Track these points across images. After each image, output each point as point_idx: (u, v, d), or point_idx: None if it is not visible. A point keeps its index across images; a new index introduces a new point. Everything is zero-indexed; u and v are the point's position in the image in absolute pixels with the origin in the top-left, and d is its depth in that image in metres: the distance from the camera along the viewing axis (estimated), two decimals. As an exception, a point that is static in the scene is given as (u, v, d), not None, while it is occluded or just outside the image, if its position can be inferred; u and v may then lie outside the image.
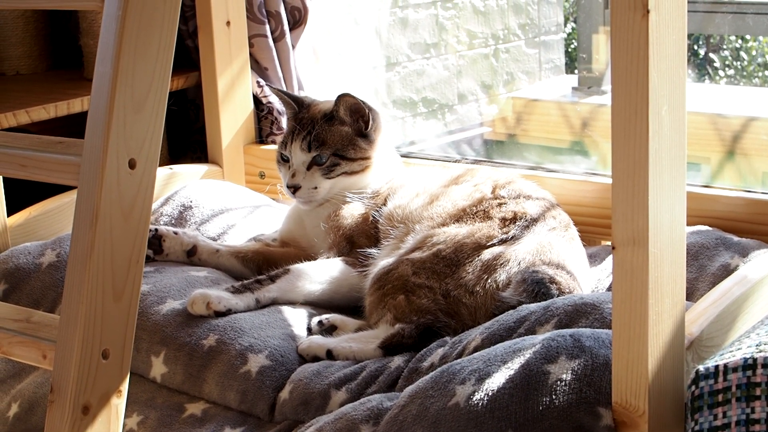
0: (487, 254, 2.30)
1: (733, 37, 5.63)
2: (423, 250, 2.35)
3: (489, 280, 2.26)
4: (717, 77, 5.66)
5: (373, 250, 2.52)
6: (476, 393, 1.81)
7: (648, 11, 1.57)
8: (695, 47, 5.60)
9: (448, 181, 2.61)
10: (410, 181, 2.67)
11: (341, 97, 2.62)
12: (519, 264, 2.28)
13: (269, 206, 3.03)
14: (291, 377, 2.20)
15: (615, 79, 1.62)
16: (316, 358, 2.25)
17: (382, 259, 2.44)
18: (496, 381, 1.81)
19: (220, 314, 2.34)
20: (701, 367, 1.72)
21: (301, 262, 2.51)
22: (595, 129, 5.19)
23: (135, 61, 1.82)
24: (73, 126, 3.03)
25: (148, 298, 2.41)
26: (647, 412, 1.68)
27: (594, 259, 2.57)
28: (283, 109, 3.21)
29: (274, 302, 2.43)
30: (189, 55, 3.31)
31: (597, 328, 1.96)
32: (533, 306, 2.12)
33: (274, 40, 3.22)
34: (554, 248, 2.33)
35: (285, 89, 2.85)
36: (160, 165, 1.95)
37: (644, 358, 1.67)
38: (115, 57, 1.81)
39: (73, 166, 1.87)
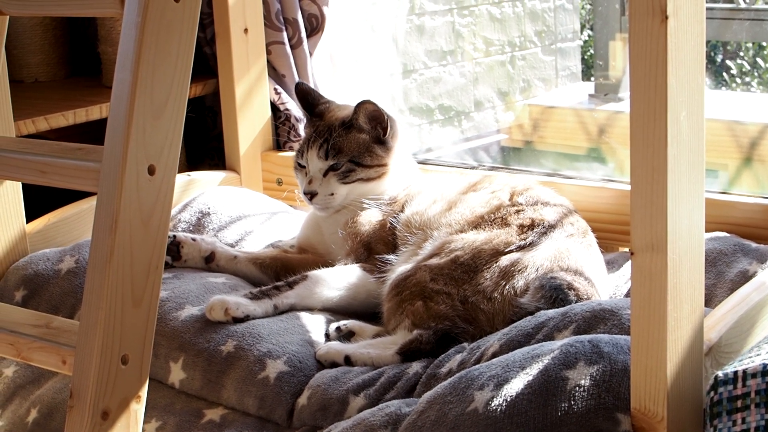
0: (505, 260, 2.30)
1: (749, 44, 5.62)
2: (441, 256, 2.35)
3: (507, 287, 2.26)
4: (733, 84, 5.65)
5: (390, 257, 2.53)
6: (495, 399, 1.81)
7: (667, 17, 1.57)
8: (712, 54, 5.60)
9: (466, 188, 2.61)
10: (427, 187, 2.67)
11: (361, 104, 2.63)
12: (537, 270, 2.28)
13: (287, 213, 3.03)
14: (309, 383, 2.20)
15: (634, 85, 1.62)
16: (334, 364, 2.26)
17: (400, 266, 2.44)
18: (515, 387, 1.81)
19: (238, 320, 2.35)
20: (720, 373, 1.72)
21: (319, 268, 2.51)
22: (611, 136, 5.18)
23: (154, 68, 1.83)
24: (91, 133, 3.04)
25: (167, 304, 2.42)
26: (666, 418, 1.68)
27: (611, 265, 2.57)
28: (301, 115, 3.22)
29: (292, 308, 2.44)
30: (207, 63, 3.32)
31: (615, 334, 1.96)
32: (551, 312, 2.12)
33: (292, 48, 3.23)
34: (572, 254, 2.33)
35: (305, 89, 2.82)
36: (178, 172, 1.96)
37: (663, 363, 1.67)
38: (135, 64, 1.82)
39: (93, 173, 1.87)
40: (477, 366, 1.96)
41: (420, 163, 2.99)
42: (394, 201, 2.66)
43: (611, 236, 2.69)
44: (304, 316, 2.41)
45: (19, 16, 3.28)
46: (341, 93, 3.28)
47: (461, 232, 2.43)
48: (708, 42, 5.31)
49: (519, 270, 2.28)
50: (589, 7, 6.18)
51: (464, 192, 2.59)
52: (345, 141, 2.64)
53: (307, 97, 2.77)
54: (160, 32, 1.84)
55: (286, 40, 3.21)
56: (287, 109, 3.25)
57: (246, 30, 3.14)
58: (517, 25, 5.37)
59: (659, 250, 1.64)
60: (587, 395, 1.76)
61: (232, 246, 2.79)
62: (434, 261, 2.35)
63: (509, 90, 5.40)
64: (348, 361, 2.25)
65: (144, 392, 1.87)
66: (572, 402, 1.76)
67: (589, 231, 2.48)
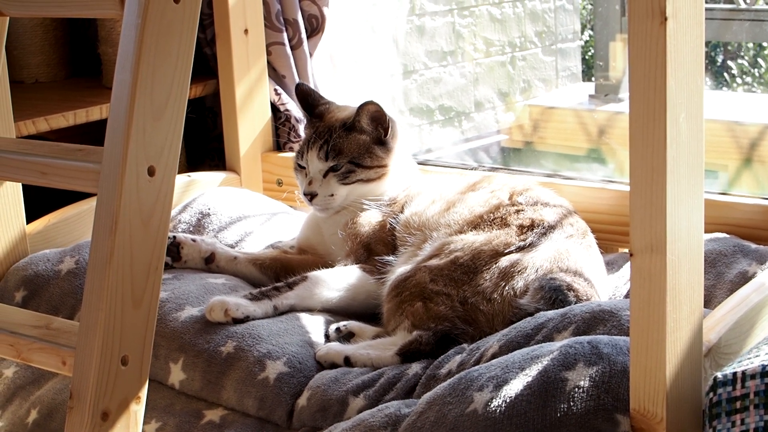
0: (504, 261, 2.30)
1: (750, 45, 5.62)
2: (440, 257, 2.35)
3: (506, 288, 2.26)
4: (734, 85, 5.65)
5: (390, 258, 2.53)
6: (494, 400, 1.81)
7: (666, 18, 1.57)
8: (712, 55, 5.60)
9: (465, 188, 2.61)
10: (427, 188, 2.67)
11: (364, 105, 2.63)
12: (536, 271, 2.28)
13: (287, 213, 3.03)
14: (309, 384, 2.20)
15: (633, 87, 1.62)
16: (333, 365, 2.26)
17: (400, 267, 2.44)
18: (514, 388, 1.81)
19: (238, 321, 2.35)
20: (719, 374, 1.72)
21: (319, 269, 2.51)
22: (611, 136, 5.19)
23: (154, 68, 1.83)
24: (92, 134, 3.05)
25: (167, 305, 2.42)
26: (665, 419, 1.68)
27: (611, 266, 2.57)
28: (301, 116, 3.22)
29: (292, 309, 2.44)
30: (207, 63, 3.32)
31: (615, 335, 1.96)
32: (551, 313, 2.12)
33: (292, 48, 3.23)
34: (572, 255, 2.33)
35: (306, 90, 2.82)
36: (178, 173, 1.95)
37: (662, 365, 1.67)
38: (135, 65, 1.82)
39: (93, 174, 1.87)
40: (476, 367, 1.96)
41: (420, 163, 2.99)
42: (394, 202, 2.66)
43: (611, 237, 2.69)
44: (304, 317, 2.41)
45: (19, 17, 3.28)
46: (341, 94, 3.28)
47: (460, 232, 2.43)
48: (708, 43, 5.32)
49: (518, 271, 2.28)
50: (589, 7, 6.18)
51: (463, 192, 2.59)
52: (345, 142, 2.64)
53: (308, 98, 2.78)
54: (160, 33, 1.84)
55: (286, 41, 3.21)
56: (287, 110, 3.25)
57: (246, 31, 3.14)
58: (518, 26, 5.37)
59: (658, 251, 1.64)
60: (586, 396, 1.76)
61: (232, 247, 2.79)
62: (434, 262, 2.35)
63: (509, 91, 5.40)
64: (348, 362, 2.25)
65: (144, 393, 1.87)
66: (571, 403, 1.76)
67: (588, 232, 2.48)
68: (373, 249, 2.57)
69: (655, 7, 1.57)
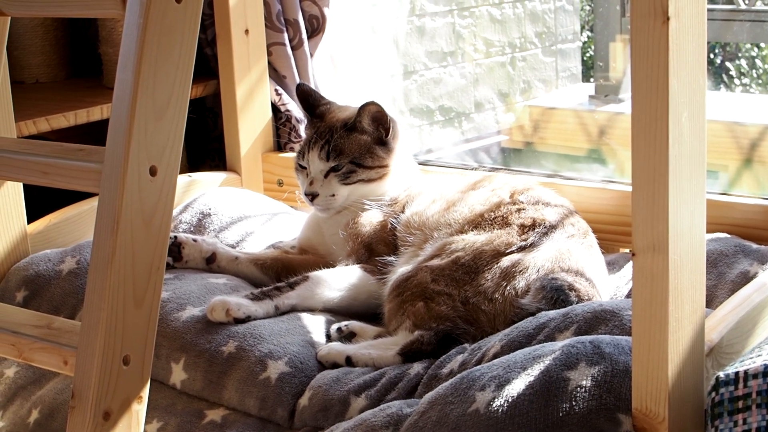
0: (505, 261, 2.30)
1: (749, 45, 5.63)
2: (442, 257, 2.35)
3: (508, 287, 2.26)
4: (733, 85, 5.65)
5: (391, 258, 2.53)
6: (496, 399, 1.81)
7: (668, 18, 1.57)
8: (711, 55, 5.60)
9: (466, 187, 2.61)
10: (428, 188, 2.67)
11: (365, 106, 2.63)
12: (538, 271, 2.28)
13: (287, 214, 3.03)
14: (310, 384, 2.20)
15: (635, 86, 1.62)
16: (335, 365, 2.26)
17: (401, 267, 2.44)
18: (516, 387, 1.81)
19: (239, 321, 2.35)
20: (721, 374, 1.72)
21: (320, 269, 2.51)
22: (612, 137, 5.19)
23: (156, 68, 1.83)
24: (93, 134, 3.05)
25: (168, 304, 2.42)
26: (667, 418, 1.68)
27: (612, 266, 2.57)
28: (302, 116, 3.22)
29: (293, 309, 2.44)
30: (208, 64, 3.32)
31: (616, 334, 1.96)
32: (552, 313, 2.12)
33: (293, 49, 3.23)
34: (573, 255, 2.33)
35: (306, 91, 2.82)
36: (179, 173, 1.95)
37: (664, 364, 1.67)
38: (137, 64, 1.82)
39: (95, 174, 1.87)
40: (478, 367, 1.96)
41: (420, 164, 2.99)
42: (395, 202, 2.66)
43: (612, 237, 2.69)
44: (305, 317, 2.41)
45: (20, 17, 3.28)
46: (342, 94, 3.28)
47: (461, 231, 2.43)
48: (707, 43, 5.33)
49: (520, 271, 2.28)
50: (589, 8, 6.19)
51: (464, 191, 2.59)
52: (346, 142, 2.64)
53: (308, 98, 2.78)
54: (162, 33, 1.83)
55: (287, 41, 3.21)
56: (288, 110, 3.25)
57: (247, 31, 3.14)
58: (518, 27, 5.37)
59: (661, 251, 1.64)
60: (588, 396, 1.76)
61: (233, 247, 2.79)
62: (435, 262, 2.35)
63: (509, 91, 5.40)
64: (349, 361, 2.25)
65: (146, 393, 1.87)
66: (573, 403, 1.76)
67: (589, 232, 2.48)
68: (375, 249, 2.57)
69: (658, 7, 1.58)
